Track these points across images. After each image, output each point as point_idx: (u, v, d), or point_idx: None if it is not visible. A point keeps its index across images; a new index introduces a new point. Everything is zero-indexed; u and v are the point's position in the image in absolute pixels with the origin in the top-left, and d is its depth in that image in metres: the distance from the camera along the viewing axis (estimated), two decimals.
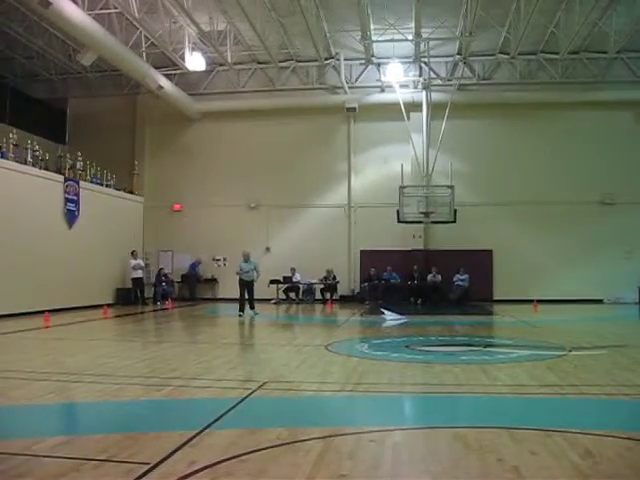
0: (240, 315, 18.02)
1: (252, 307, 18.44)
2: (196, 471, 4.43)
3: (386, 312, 17.83)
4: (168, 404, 6.92)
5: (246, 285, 18.32)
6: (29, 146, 18.92)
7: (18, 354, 10.69)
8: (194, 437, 5.28)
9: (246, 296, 18.32)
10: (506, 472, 4.44)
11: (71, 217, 20.32)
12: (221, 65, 25.17)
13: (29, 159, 18.76)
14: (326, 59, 24.73)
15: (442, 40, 23.08)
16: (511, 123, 24.45)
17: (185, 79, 25.43)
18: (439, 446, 5.20)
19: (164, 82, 23.22)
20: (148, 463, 4.57)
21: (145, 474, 4.36)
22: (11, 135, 18.21)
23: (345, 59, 24.42)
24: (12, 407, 6.70)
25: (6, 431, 5.69)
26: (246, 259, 18.57)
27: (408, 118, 23.93)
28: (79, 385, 7.93)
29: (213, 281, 25.91)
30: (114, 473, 4.42)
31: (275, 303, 23.71)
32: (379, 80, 25.00)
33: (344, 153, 25.58)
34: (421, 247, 24.62)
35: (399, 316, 16.74)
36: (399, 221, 22.74)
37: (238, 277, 18.42)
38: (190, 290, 25.49)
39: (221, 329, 16.70)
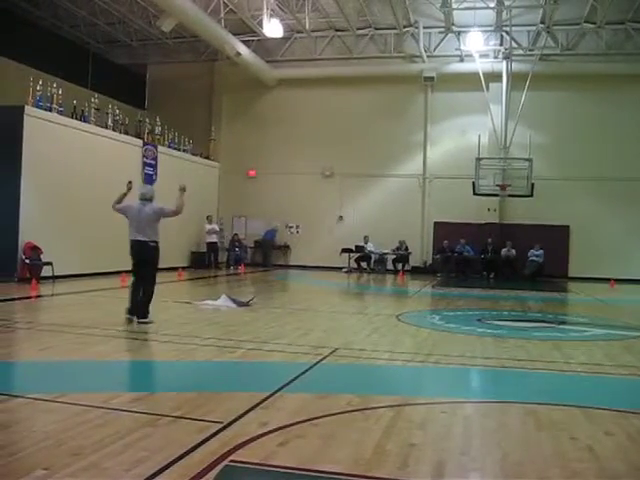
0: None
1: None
2: (268, 432, 4.50)
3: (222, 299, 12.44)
4: (240, 366, 7.04)
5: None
6: (110, 110, 19.31)
7: (96, 312, 11.02)
8: (266, 399, 5.36)
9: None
10: (580, 451, 4.35)
11: (149, 181, 20.67)
12: (298, 32, 25.06)
13: (110, 123, 19.16)
14: (405, 27, 24.31)
15: (525, 8, 22.31)
16: (595, 96, 23.58)
17: (262, 46, 25.44)
18: (510, 421, 5.14)
19: (242, 49, 23.30)
20: (221, 422, 4.66)
21: (218, 432, 4.45)
22: (93, 100, 18.61)
23: (424, 27, 23.95)
24: (91, 362, 6.93)
25: (86, 385, 5.89)
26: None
27: (487, 89, 23.38)
28: (154, 344, 8.16)
29: (286, 248, 26.10)
30: (188, 430, 4.53)
31: (346, 272, 23.75)
32: (458, 49, 24.45)
33: (420, 123, 25.23)
34: (496, 221, 24.18)
35: (232, 304, 12.04)
36: (474, 193, 22.36)
37: None
38: (264, 256, 25.77)
39: (293, 295, 16.84)
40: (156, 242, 9.61)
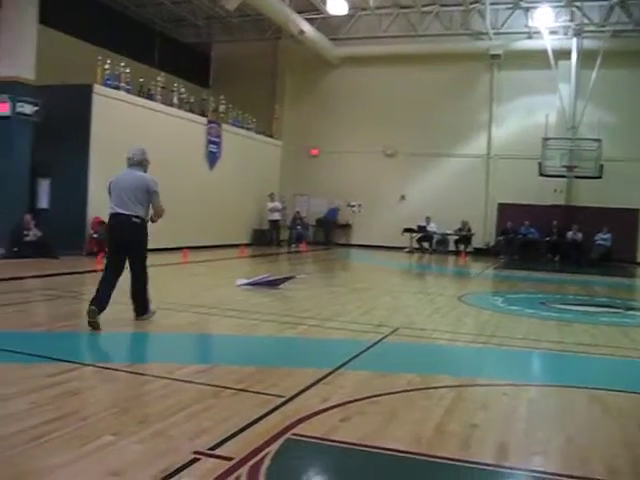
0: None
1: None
2: (329, 408, 4.52)
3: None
4: (302, 342, 7.09)
5: None
6: (175, 89, 19.54)
7: (160, 287, 11.21)
8: (327, 375, 5.38)
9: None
10: None
11: (213, 158, 20.93)
12: (363, 9, 24.82)
13: (175, 101, 19.39)
14: (471, 3, 23.83)
15: None
16: None
17: (326, 24, 25.31)
18: (575, 406, 5.05)
19: (306, 27, 23.23)
20: (283, 396, 4.71)
21: (280, 406, 4.49)
22: (159, 78, 18.88)
23: (491, 3, 23.38)
24: (157, 334, 7.09)
25: (151, 356, 6.03)
26: None
27: (556, 66, 22.80)
28: (217, 318, 8.27)
29: (347, 227, 26.10)
30: (251, 403, 4.58)
31: (408, 252, 23.63)
32: (526, 26, 23.83)
33: (485, 102, 24.80)
34: (562, 202, 23.65)
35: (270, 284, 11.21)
36: (541, 174, 21.92)
37: None
38: (326, 234, 25.86)
39: (354, 274, 16.86)
40: (142, 219, 7.30)
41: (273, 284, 11.24)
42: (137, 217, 7.21)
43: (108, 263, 7.38)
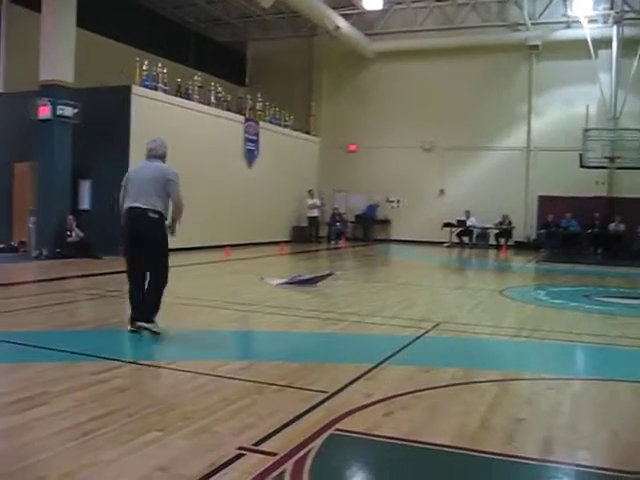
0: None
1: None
2: (372, 403, 4.52)
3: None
4: (344, 338, 7.09)
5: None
6: (212, 88, 19.68)
7: (201, 284, 11.33)
8: (370, 371, 5.38)
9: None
10: None
11: (251, 156, 21.03)
12: (398, 4, 24.71)
13: (212, 100, 19.52)
14: None
15: None
16: None
17: (361, 19, 25.23)
18: (621, 400, 4.98)
19: (341, 22, 23.19)
20: (326, 392, 4.72)
21: (323, 402, 4.50)
22: (196, 78, 19.01)
23: None
24: (198, 331, 7.15)
25: (194, 353, 6.08)
26: None
27: (596, 56, 22.42)
28: (258, 315, 8.31)
29: (386, 222, 26.02)
30: (294, 398, 4.61)
31: (448, 246, 23.48)
32: (565, 15, 23.45)
33: (524, 93, 24.47)
34: (604, 194, 23.24)
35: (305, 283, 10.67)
36: (582, 166, 21.57)
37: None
38: (365, 230, 25.83)
39: (394, 269, 16.81)
40: (160, 214, 6.59)
41: (310, 282, 11.06)
42: (155, 212, 6.56)
43: (129, 264, 6.80)
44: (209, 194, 18.33)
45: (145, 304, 6.66)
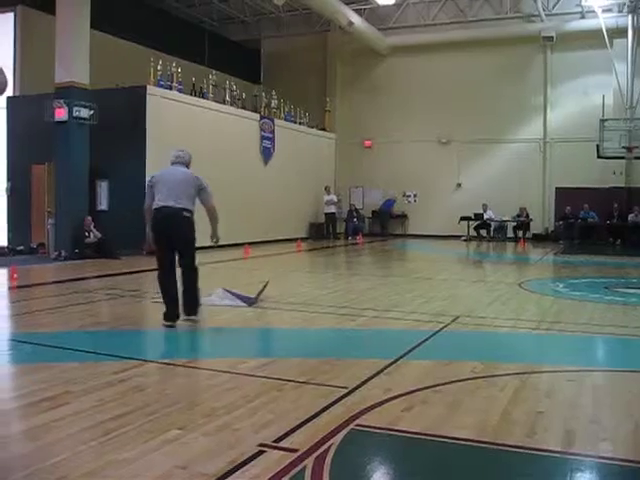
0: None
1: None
2: (392, 398, 4.51)
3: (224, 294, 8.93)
4: (362, 333, 7.09)
5: None
6: (227, 86, 19.71)
7: (220, 282, 11.34)
8: (389, 366, 5.37)
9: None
10: None
11: (267, 154, 21.05)
12: None
13: (227, 99, 19.56)
14: None
15: None
16: None
17: (374, 14, 25.17)
18: None
19: (354, 18, 23.12)
20: (346, 388, 4.72)
21: (343, 397, 4.50)
22: (210, 76, 19.08)
23: None
24: (217, 329, 7.17)
25: (214, 351, 6.11)
26: None
27: (611, 45, 22.22)
28: (277, 312, 8.32)
29: (403, 217, 25.96)
30: (313, 395, 4.61)
31: (465, 240, 23.39)
32: (579, 5, 23.23)
33: (539, 85, 24.30)
34: (622, 185, 23.02)
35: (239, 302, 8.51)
36: (599, 156, 21.40)
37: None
38: (382, 226, 25.78)
39: (411, 264, 16.75)
40: (191, 213, 7.05)
41: (246, 300, 8.76)
42: (188, 211, 6.99)
43: (160, 262, 7.17)
44: (225, 192, 18.29)
45: (187, 300, 7.06)
